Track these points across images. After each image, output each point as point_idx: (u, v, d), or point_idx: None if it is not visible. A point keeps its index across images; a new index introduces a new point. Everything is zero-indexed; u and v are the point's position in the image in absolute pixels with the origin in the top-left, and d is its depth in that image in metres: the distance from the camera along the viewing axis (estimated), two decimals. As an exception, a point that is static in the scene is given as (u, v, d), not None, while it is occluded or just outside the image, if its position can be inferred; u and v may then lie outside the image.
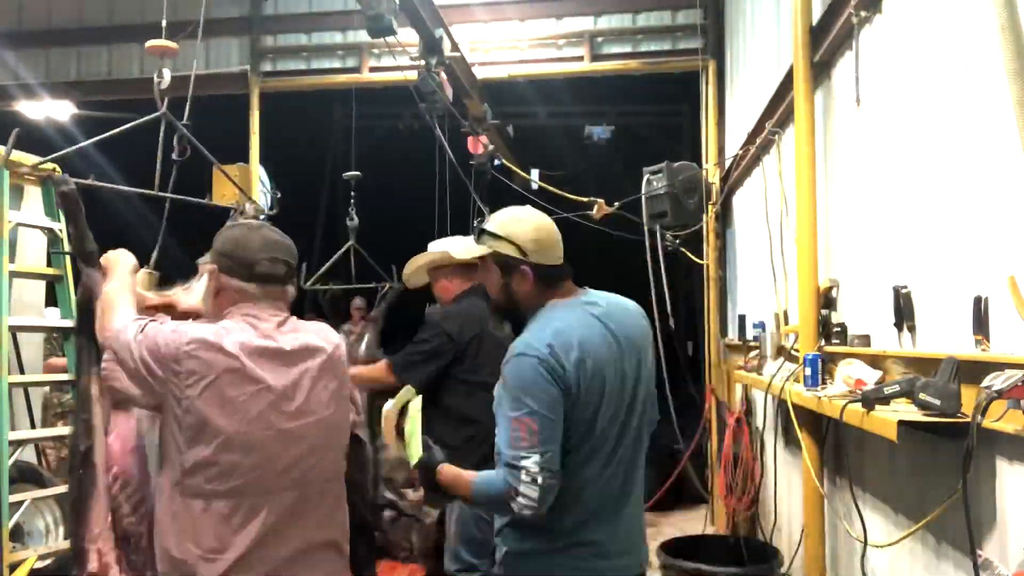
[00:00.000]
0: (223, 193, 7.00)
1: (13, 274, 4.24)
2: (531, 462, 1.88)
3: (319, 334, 2.15)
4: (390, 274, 5.01)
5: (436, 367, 3.52)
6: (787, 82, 3.83)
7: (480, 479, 2.04)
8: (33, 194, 4.55)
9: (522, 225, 2.14)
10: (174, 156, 3.24)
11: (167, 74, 3.23)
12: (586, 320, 2.05)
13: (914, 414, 2.12)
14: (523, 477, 1.88)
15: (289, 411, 1.97)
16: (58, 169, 3.55)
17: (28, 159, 4.30)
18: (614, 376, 2.03)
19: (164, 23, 3.49)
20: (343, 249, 5.26)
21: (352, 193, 5.28)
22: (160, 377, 1.89)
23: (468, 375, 3.51)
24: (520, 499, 1.89)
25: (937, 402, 2.01)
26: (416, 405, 4.22)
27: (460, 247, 3.67)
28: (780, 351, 4.01)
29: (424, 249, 3.91)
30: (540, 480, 1.88)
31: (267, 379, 1.95)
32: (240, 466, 1.89)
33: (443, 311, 3.73)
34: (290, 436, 1.97)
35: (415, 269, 3.89)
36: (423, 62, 4.91)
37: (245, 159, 7.24)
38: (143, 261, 2.84)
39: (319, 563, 2.03)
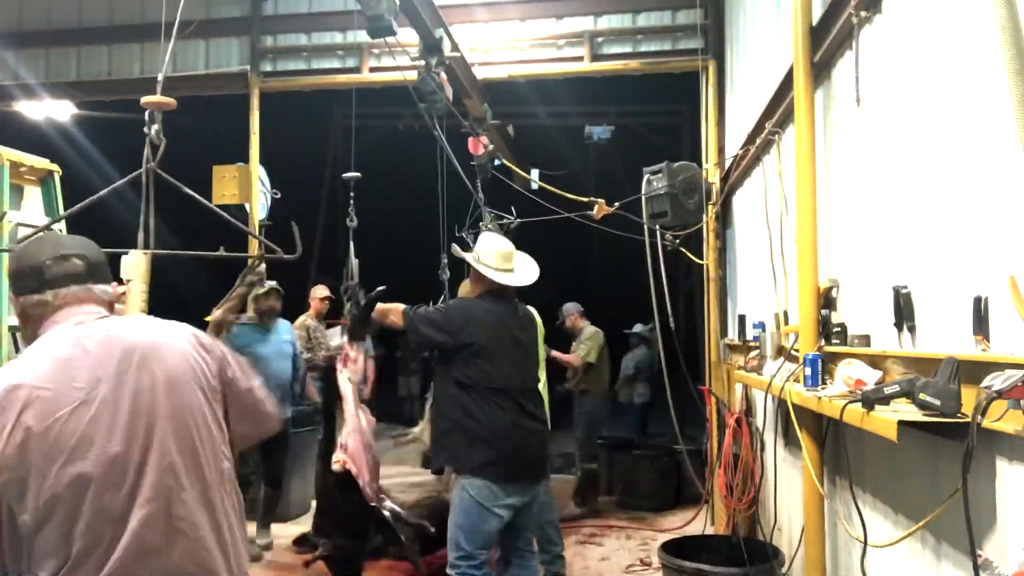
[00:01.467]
0: (222, 193, 7.03)
1: (13, 274, 4.27)
2: None
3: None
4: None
5: (434, 344, 3.72)
6: (787, 82, 3.83)
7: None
8: (33, 194, 4.56)
9: None
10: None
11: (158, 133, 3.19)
12: None
13: (914, 414, 2.12)
14: None
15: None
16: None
17: (29, 159, 4.31)
18: None
19: (164, 22, 3.48)
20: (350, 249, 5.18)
21: (351, 194, 5.26)
22: None
23: (467, 377, 3.60)
24: None
25: (937, 402, 2.01)
26: None
27: (494, 256, 3.89)
28: (780, 351, 4.01)
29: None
30: None
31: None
32: None
33: (469, 302, 3.91)
34: None
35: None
36: (423, 62, 4.91)
37: (245, 159, 7.25)
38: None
39: None
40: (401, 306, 3.82)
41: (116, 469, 1.62)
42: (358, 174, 5.38)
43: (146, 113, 3.09)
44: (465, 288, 4.50)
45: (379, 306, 3.87)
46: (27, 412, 1.58)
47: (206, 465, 1.74)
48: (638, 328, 8.97)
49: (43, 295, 1.75)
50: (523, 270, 3.93)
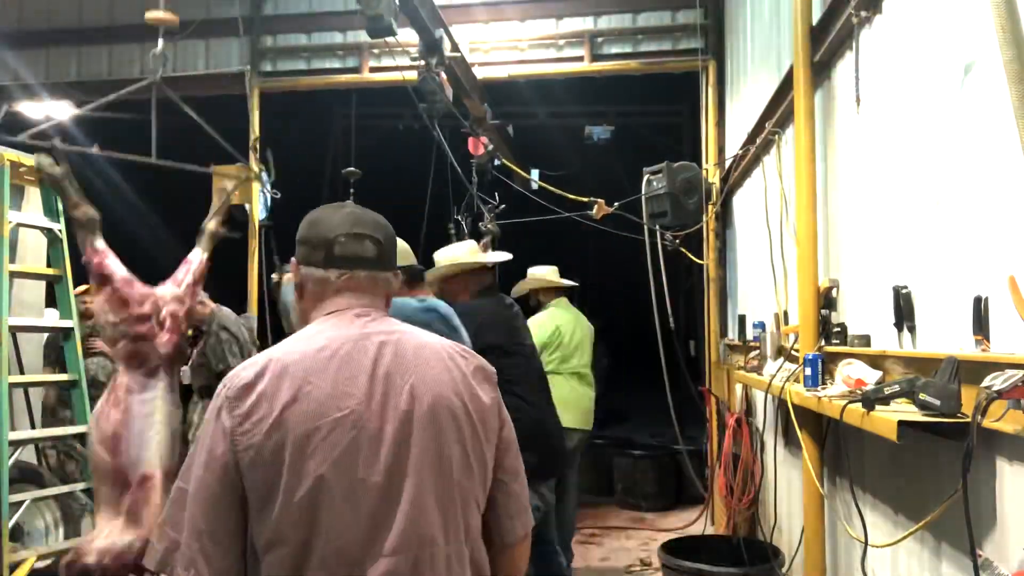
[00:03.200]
0: (223, 188, 7.01)
1: (13, 274, 4.26)
2: None
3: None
4: None
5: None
6: (787, 82, 3.83)
7: None
8: (33, 194, 4.56)
9: None
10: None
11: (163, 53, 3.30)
12: None
13: (914, 414, 2.12)
14: None
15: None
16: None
17: (29, 159, 4.30)
18: None
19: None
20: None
21: (351, 191, 5.29)
22: None
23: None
24: None
25: (937, 402, 2.01)
26: None
27: (464, 252, 3.86)
28: (780, 351, 4.01)
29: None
30: None
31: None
32: None
33: (467, 306, 3.73)
34: None
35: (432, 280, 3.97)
36: (423, 62, 4.91)
37: (245, 159, 7.24)
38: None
39: None
40: None
41: (363, 501, 1.39)
42: (357, 170, 5.42)
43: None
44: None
45: None
46: (292, 408, 1.40)
47: (460, 516, 1.49)
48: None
49: (327, 272, 1.58)
50: (494, 253, 4.01)
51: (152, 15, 3.80)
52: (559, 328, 5.10)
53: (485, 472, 1.55)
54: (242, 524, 1.40)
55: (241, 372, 1.46)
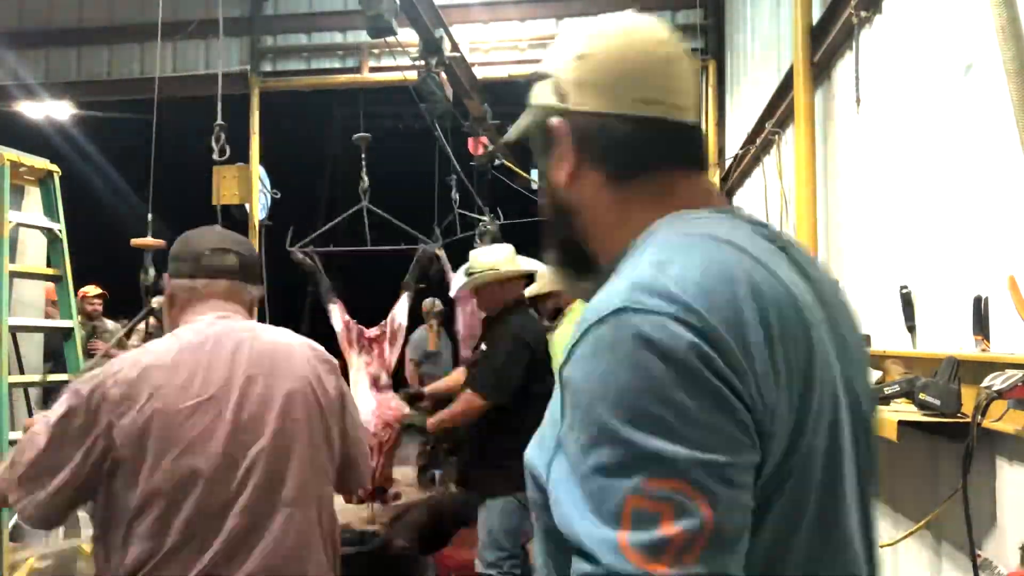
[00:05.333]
0: (223, 193, 7.02)
1: (13, 274, 4.26)
2: None
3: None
4: (417, 237, 5.02)
5: (520, 374, 3.46)
6: (787, 82, 3.83)
7: None
8: (33, 194, 4.56)
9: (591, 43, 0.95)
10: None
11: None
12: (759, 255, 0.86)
13: (914, 414, 2.12)
14: None
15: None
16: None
17: (28, 159, 4.30)
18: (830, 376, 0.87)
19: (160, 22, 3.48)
20: (352, 210, 5.32)
21: (363, 156, 5.38)
22: None
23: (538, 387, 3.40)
24: None
25: (937, 402, 2.01)
26: None
27: (503, 258, 3.73)
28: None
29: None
30: None
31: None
32: None
33: (519, 333, 3.62)
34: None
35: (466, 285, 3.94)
36: (423, 62, 4.91)
37: (245, 159, 7.24)
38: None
39: None
40: (463, 400, 3.58)
41: (223, 472, 1.63)
42: (367, 135, 5.50)
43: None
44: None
45: (439, 422, 3.73)
46: (156, 397, 1.60)
47: (308, 486, 1.74)
48: None
49: (194, 282, 1.80)
50: (525, 259, 3.86)
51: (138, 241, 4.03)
52: None
53: (332, 449, 1.82)
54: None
55: (116, 365, 1.67)
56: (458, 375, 4.23)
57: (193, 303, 1.79)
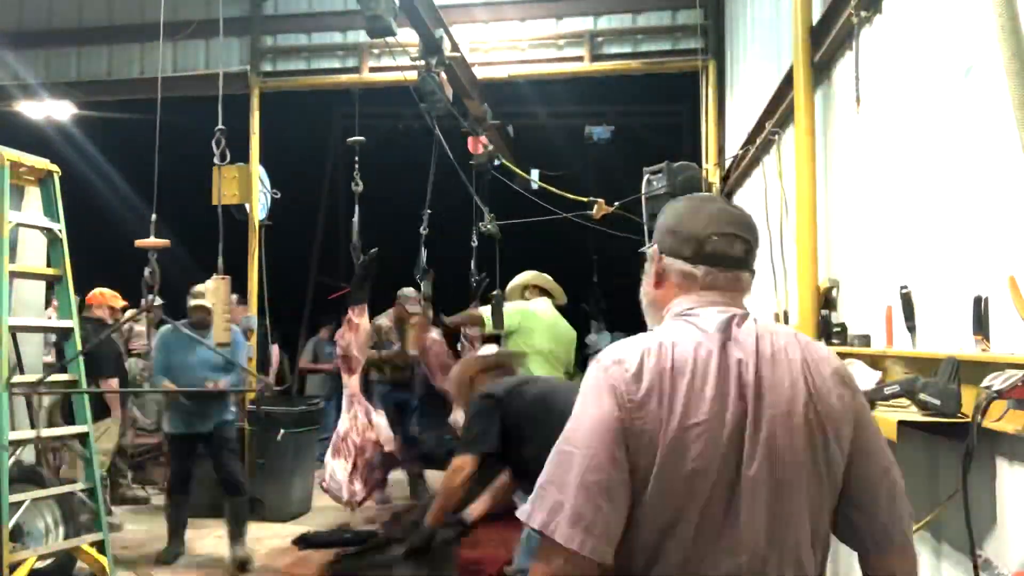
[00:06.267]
0: (223, 193, 7.02)
1: (13, 274, 4.26)
2: None
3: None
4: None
5: (492, 422, 3.42)
6: (787, 82, 3.83)
7: None
8: (33, 194, 4.56)
9: None
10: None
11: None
12: None
13: (914, 414, 2.12)
14: None
15: None
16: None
17: (28, 159, 4.31)
18: None
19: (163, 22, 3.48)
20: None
21: (355, 159, 5.44)
22: None
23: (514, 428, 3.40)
24: None
25: (937, 402, 2.01)
26: None
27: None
28: (780, 351, 4.01)
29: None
30: None
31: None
32: None
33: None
34: None
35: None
36: (423, 62, 4.91)
37: (245, 159, 7.24)
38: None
39: None
40: (447, 473, 3.52)
41: (717, 502, 1.40)
42: (361, 138, 5.56)
43: None
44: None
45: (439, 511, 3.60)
46: (672, 400, 1.40)
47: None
48: None
49: (694, 268, 1.55)
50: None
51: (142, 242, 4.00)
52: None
53: (835, 482, 1.55)
54: (626, 494, 1.41)
55: (627, 357, 1.46)
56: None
57: (689, 291, 1.56)
